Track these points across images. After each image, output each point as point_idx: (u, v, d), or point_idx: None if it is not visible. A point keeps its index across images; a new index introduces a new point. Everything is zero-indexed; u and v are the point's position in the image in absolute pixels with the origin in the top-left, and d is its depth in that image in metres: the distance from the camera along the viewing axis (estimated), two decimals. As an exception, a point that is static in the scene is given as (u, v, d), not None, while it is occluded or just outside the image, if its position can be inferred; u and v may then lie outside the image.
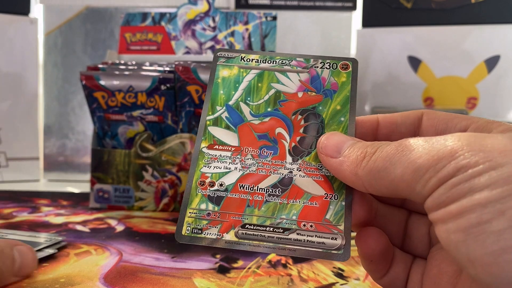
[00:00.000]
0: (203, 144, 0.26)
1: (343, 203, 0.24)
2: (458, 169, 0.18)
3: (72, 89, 0.78)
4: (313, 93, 0.27)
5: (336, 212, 0.24)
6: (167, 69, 0.57)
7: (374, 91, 0.75)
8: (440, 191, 0.18)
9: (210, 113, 0.27)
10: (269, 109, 0.27)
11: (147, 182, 0.55)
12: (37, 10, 0.78)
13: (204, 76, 0.53)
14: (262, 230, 0.24)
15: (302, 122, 0.26)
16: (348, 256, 0.23)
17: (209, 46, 0.68)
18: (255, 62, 0.28)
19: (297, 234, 0.24)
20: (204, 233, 0.24)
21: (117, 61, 0.60)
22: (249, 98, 0.27)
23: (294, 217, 0.24)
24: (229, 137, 0.26)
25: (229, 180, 0.25)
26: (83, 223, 0.49)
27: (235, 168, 0.25)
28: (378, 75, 0.75)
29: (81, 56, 0.78)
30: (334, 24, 0.75)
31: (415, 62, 0.73)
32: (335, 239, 0.24)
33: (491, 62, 0.71)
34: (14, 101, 0.75)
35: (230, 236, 0.24)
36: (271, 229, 0.24)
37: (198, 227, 0.24)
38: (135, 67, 0.58)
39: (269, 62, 0.28)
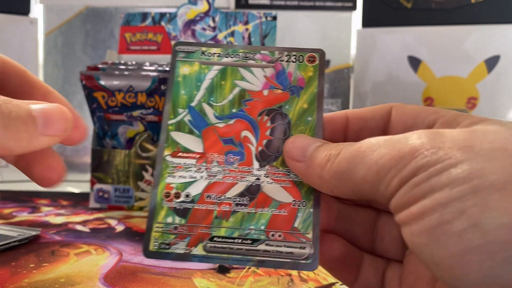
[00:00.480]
0: (167, 152, 0.25)
1: (311, 210, 0.23)
2: (418, 168, 0.17)
3: (72, 89, 0.78)
4: (279, 91, 0.26)
5: (305, 219, 0.23)
6: (167, 69, 0.57)
7: (374, 91, 0.75)
8: (402, 191, 0.18)
9: (172, 116, 0.25)
10: (234, 110, 0.25)
11: (147, 182, 0.55)
12: (37, 10, 0.78)
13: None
14: (230, 242, 0.23)
15: (269, 124, 0.25)
16: (317, 265, 0.23)
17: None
18: (217, 56, 0.26)
19: (266, 245, 0.23)
20: (172, 248, 0.23)
21: (117, 61, 0.60)
22: (212, 99, 0.26)
23: (262, 227, 0.23)
24: (193, 143, 0.25)
25: (195, 190, 0.24)
26: (83, 223, 0.49)
27: (201, 177, 0.24)
28: (378, 75, 0.75)
29: (81, 56, 0.78)
30: (334, 24, 0.75)
31: (415, 62, 0.73)
32: (304, 248, 0.23)
33: (491, 62, 0.71)
34: (14, 101, 0.75)
35: (198, 250, 0.23)
36: (240, 240, 0.23)
37: (166, 242, 0.23)
38: (135, 67, 0.58)
39: (232, 56, 0.26)
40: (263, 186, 0.24)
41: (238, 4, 0.74)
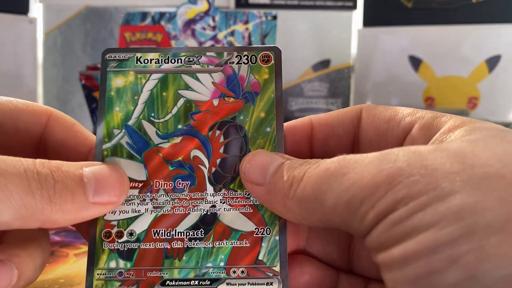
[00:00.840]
0: None
1: (277, 238, 0.20)
2: (397, 201, 0.15)
3: (71, 89, 0.77)
4: (231, 99, 0.22)
5: (270, 249, 0.20)
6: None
7: (374, 90, 0.75)
8: (379, 229, 0.15)
9: (106, 139, 0.21)
10: (179, 126, 0.22)
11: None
12: (36, 9, 0.78)
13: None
14: (186, 285, 0.20)
15: (222, 139, 0.22)
16: None
17: (209, 45, 0.68)
18: (155, 63, 0.23)
19: (227, 284, 0.20)
20: None
21: (117, 61, 0.60)
22: (153, 114, 0.22)
23: (222, 264, 0.20)
24: (134, 170, 0.21)
25: (140, 226, 0.21)
26: (83, 223, 0.49)
27: (146, 210, 0.21)
28: (379, 74, 0.75)
29: (81, 55, 0.78)
30: (334, 23, 0.74)
31: (415, 62, 0.73)
32: (271, 284, 0.20)
33: (492, 62, 0.71)
34: (13, 101, 0.75)
35: None
36: (197, 282, 0.20)
37: None
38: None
39: (173, 61, 0.23)
40: (219, 214, 0.21)
41: (238, 4, 0.74)
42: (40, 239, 0.20)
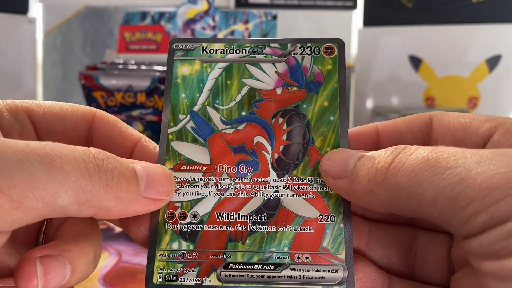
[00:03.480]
0: (168, 166, 0.21)
1: (342, 225, 0.20)
2: None
3: (71, 89, 0.77)
4: (295, 88, 0.23)
5: (335, 237, 0.20)
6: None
7: (375, 90, 0.75)
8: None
9: (171, 124, 0.22)
10: (243, 113, 0.22)
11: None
12: (36, 9, 0.78)
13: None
14: (249, 269, 0.20)
15: (285, 126, 0.22)
16: None
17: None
18: (221, 52, 0.23)
19: (291, 270, 0.20)
20: (180, 279, 0.20)
21: (116, 61, 0.60)
22: (217, 101, 0.22)
23: (286, 249, 0.20)
24: (199, 153, 0.22)
25: (203, 208, 0.21)
26: (82, 223, 0.49)
27: (210, 193, 0.21)
28: (379, 74, 0.74)
29: (80, 55, 0.78)
30: (334, 23, 0.74)
31: (416, 62, 0.73)
32: (336, 271, 0.20)
33: (492, 62, 0.71)
34: (13, 100, 0.75)
35: (212, 281, 0.20)
36: (260, 266, 0.20)
37: (172, 272, 0.20)
38: (134, 67, 0.57)
39: (238, 51, 0.23)
40: (283, 200, 0.21)
41: (238, 3, 0.74)
42: (91, 234, 0.21)
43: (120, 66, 0.57)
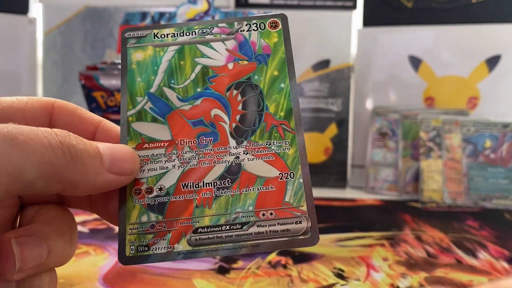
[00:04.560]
0: (130, 146, 0.22)
1: (301, 180, 0.22)
2: None
3: (71, 89, 0.77)
4: (245, 62, 0.24)
5: (295, 191, 0.21)
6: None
7: (374, 90, 0.75)
8: None
9: (130, 107, 0.23)
10: (198, 90, 0.24)
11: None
12: (36, 9, 0.78)
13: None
14: (217, 231, 0.21)
15: (239, 97, 0.23)
16: (317, 239, 0.21)
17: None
18: (171, 36, 0.24)
19: (258, 226, 0.21)
20: (151, 248, 0.21)
21: (116, 61, 0.60)
22: (172, 81, 0.24)
23: (250, 208, 0.21)
24: (159, 131, 0.23)
25: (168, 181, 0.22)
26: (83, 223, 0.49)
27: (173, 166, 0.22)
28: (379, 74, 0.74)
29: (80, 55, 0.78)
30: (334, 23, 0.74)
31: (415, 62, 0.73)
32: (300, 222, 0.21)
33: (492, 62, 0.71)
34: (13, 100, 0.75)
35: (182, 246, 0.21)
36: (228, 227, 0.21)
37: (143, 243, 0.21)
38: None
39: (188, 34, 0.24)
40: (244, 164, 0.22)
41: (238, 3, 0.74)
42: (65, 218, 0.22)
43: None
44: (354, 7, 0.74)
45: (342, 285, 0.34)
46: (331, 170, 0.73)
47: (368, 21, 0.75)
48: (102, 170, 0.20)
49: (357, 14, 0.75)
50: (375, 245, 0.44)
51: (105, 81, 0.55)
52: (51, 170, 0.17)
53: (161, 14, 0.68)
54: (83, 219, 0.51)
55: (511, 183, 0.62)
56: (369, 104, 0.75)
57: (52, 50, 0.78)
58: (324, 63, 0.74)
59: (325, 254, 0.40)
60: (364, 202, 0.63)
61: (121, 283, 0.33)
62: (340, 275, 0.36)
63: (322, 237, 0.45)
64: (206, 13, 0.68)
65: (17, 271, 0.18)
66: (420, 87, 0.73)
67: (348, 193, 0.70)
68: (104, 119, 0.24)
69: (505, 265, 0.40)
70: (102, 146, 0.20)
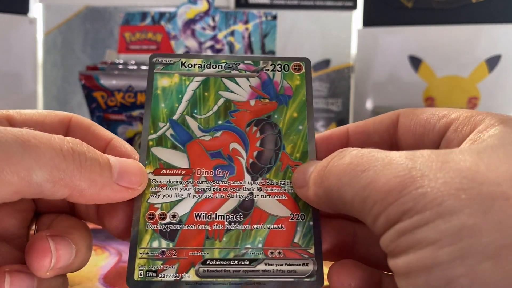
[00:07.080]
0: (148, 170, 0.23)
1: (311, 223, 0.22)
2: (404, 212, 0.15)
3: (71, 89, 0.77)
4: (267, 100, 0.25)
5: (305, 234, 0.22)
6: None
7: (374, 90, 0.75)
8: (388, 235, 0.15)
9: (151, 131, 0.24)
10: (219, 122, 0.24)
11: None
12: (36, 9, 0.78)
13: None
14: (226, 264, 0.21)
15: (258, 134, 0.24)
16: (322, 282, 0.21)
17: (209, 45, 0.68)
18: (198, 67, 0.25)
19: (265, 264, 0.21)
20: (160, 275, 0.21)
21: (117, 61, 0.60)
22: (195, 111, 0.24)
23: (260, 245, 0.22)
24: (178, 158, 0.23)
25: (182, 209, 0.22)
26: (82, 223, 0.49)
27: (188, 195, 0.22)
28: (379, 74, 0.74)
29: (81, 55, 0.78)
30: (334, 23, 0.74)
31: (415, 62, 0.73)
32: (306, 264, 0.21)
33: (492, 62, 0.71)
34: (12, 100, 0.75)
35: (190, 276, 0.21)
36: (236, 262, 0.21)
37: (152, 269, 0.21)
38: (135, 67, 0.57)
39: (214, 67, 0.25)
40: (257, 201, 0.22)
41: (238, 4, 0.74)
42: (82, 227, 0.23)
43: (120, 66, 0.57)
44: (354, 7, 0.74)
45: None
46: (331, 170, 0.73)
47: (368, 21, 0.75)
48: (110, 180, 0.20)
49: (357, 14, 0.75)
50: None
51: (105, 81, 0.55)
52: (60, 174, 0.18)
53: (161, 14, 0.68)
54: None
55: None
56: (369, 104, 0.75)
57: (52, 50, 0.78)
58: (324, 63, 0.74)
59: None
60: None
61: (121, 283, 0.33)
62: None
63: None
64: (206, 13, 0.68)
65: (51, 268, 0.19)
66: (420, 87, 0.73)
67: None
68: (115, 136, 0.24)
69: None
70: (112, 158, 0.20)
